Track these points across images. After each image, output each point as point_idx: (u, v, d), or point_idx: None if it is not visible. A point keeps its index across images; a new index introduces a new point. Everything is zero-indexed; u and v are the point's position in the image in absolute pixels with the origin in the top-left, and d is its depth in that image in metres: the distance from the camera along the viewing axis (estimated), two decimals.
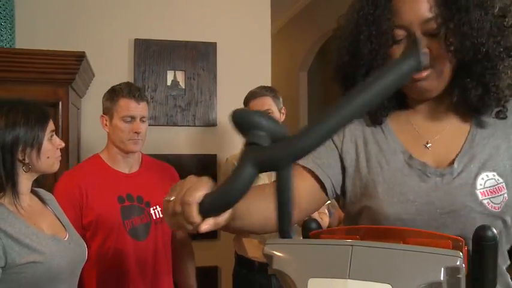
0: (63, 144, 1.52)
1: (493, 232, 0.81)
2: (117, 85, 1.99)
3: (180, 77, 2.80)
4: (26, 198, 1.45)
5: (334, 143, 1.07)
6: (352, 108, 0.59)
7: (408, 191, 0.97)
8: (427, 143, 1.02)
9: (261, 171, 0.65)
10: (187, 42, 2.80)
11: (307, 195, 1.03)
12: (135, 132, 1.93)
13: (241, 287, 2.39)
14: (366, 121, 1.06)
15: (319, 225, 0.97)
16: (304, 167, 1.03)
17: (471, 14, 0.92)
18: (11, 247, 1.31)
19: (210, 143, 2.85)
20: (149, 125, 2.75)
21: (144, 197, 1.96)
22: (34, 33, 2.55)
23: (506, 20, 0.94)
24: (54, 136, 1.50)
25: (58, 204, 1.59)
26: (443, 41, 0.93)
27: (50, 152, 1.46)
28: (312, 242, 0.66)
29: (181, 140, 2.82)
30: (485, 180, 0.96)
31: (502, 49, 0.93)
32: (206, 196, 0.69)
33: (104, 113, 1.98)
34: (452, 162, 0.98)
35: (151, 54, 2.74)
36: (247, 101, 2.36)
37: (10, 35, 2.32)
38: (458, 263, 0.56)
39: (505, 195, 0.95)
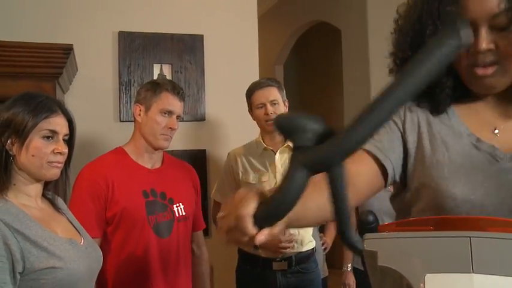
0: (62, 150, 1.34)
1: None
2: (160, 79, 2.00)
3: (167, 70, 2.69)
4: (36, 201, 1.34)
5: (396, 125, 1.02)
6: (396, 98, 0.56)
7: (477, 173, 0.93)
8: (495, 129, 0.98)
9: (312, 174, 0.62)
10: (173, 34, 2.70)
11: (367, 181, 0.99)
12: (170, 128, 1.89)
13: (245, 284, 2.33)
14: (428, 109, 1.02)
15: (376, 218, 0.92)
16: (365, 151, 0.98)
17: None
18: (29, 251, 1.19)
19: (199, 138, 2.76)
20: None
21: (167, 193, 1.91)
22: (10, 25, 2.39)
23: None
24: (60, 140, 1.35)
25: (68, 209, 1.48)
26: None
27: (37, 151, 1.29)
28: (418, 235, 0.60)
29: None
30: None
31: None
32: (259, 207, 0.69)
33: (139, 103, 1.92)
34: None
35: (136, 47, 2.62)
36: (251, 91, 2.28)
37: None
38: None
39: None
